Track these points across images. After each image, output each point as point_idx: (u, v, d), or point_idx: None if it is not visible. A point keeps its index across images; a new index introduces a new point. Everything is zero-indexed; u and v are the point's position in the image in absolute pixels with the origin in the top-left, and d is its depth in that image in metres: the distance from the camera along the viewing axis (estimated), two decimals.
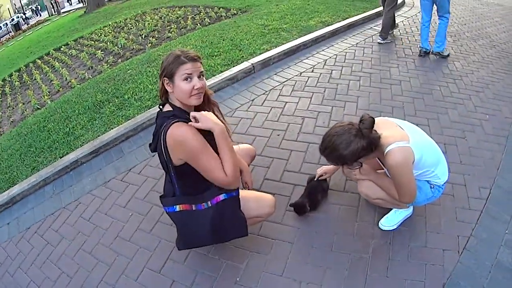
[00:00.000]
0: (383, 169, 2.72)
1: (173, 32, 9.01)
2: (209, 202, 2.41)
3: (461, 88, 5.07)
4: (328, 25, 7.49)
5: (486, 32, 7.47)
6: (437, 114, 4.43)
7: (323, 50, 6.53)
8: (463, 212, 3.10)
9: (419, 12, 8.75)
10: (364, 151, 2.30)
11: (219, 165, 2.22)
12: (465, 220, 3.02)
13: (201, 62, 2.27)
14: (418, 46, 6.33)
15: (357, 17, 8.07)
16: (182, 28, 9.44)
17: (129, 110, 5.28)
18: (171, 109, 2.30)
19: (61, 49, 11.61)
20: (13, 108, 7.77)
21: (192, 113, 2.24)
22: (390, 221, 3.00)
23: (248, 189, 2.92)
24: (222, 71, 5.78)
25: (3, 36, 40.04)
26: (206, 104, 2.46)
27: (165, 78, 2.23)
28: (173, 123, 2.18)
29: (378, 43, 6.75)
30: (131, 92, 5.79)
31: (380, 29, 6.92)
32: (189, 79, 2.19)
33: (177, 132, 2.15)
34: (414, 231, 2.95)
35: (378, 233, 2.96)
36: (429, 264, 2.70)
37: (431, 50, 6.17)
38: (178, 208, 2.44)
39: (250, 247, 2.98)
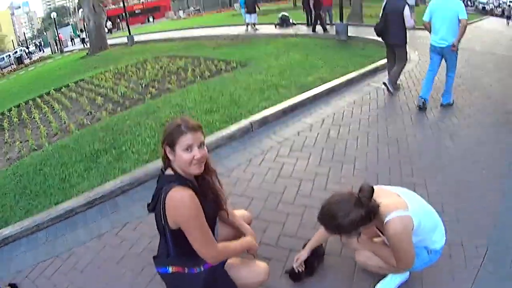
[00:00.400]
0: (380, 236, 2.69)
1: (173, 84, 9.15)
2: (202, 267, 2.38)
3: (457, 144, 5.07)
4: (326, 82, 7.63)
5: (481, 83, 7.59)
6: (434, 174, 4.40)
7: (321, 108, 6.60)
8: (460, 272, 3.03)
9: (415, 67, 9.00)
10: (363, 221, 2.27)
11: (206, 239, 2.25)
12: (462, 279, 2.96)
13: (202, 132, 2.29)
14: (416, 99, 6.47)
15: (355, 73, 8.25)
16: (182, 80, 9.61)
17: (126, 162, 5.26)
18: (173, 173, 2.31)
19: (62, 90, 11.80)
20: (10, 145, 7.78)
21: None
22: (386, 286, 2.94)
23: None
24: (220, 128, 5.81)
25: (5, 68, 40.90)
26: (206, 171, 2.46)
27: (166, 146, 2.25)
28: (174, 186, 2.19)
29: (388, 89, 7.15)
30: (129, 144, 5.80)
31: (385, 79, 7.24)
32: (189, 149, 2.20)
33: (176, 195, 2.16)
34: None
35: None
36: None
37: (440, 103, 6.39)
38: (170, 269, 2.43)
39: None
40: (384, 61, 8.76)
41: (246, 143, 5.57)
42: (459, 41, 5.92)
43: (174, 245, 2.34)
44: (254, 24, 19.86)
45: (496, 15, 26.97)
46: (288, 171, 4.72)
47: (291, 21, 19.68)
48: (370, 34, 15.12)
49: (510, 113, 5.97)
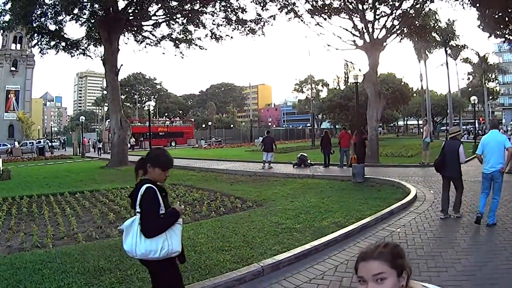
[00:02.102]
0: None
1: (187, 216, 9.11)
2: None
3: None
4: (342, 227, 7.58)
5: None
6: None
7: (334, 255, 6.44)
8: None
9: (430, 207, 9.34)
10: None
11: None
12: None
13: None
14: (477, 212, 7.78)
15: (370, 218, 8.25)
16: (196, 212, 9.63)
17: (131, 286, 5.11)
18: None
19: (76, 195, 11.94)
20: (14, 233, 7.72)
21: None
22: None
23: None
24: (230, 269, 5.67)
25: (25, 153, 42.85)
26: None
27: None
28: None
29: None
30: (135, 270, 5.60)
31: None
32: None
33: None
34: None
35: None
36: None
37: (487, 223, 7.64)
38: None
39: None
40: (398, 204, 9.48)
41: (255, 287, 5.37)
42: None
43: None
44: (270, 163, 20.49)
45: None
46: None
47: (308, 161, 20.25)
48: (386, 174, 15.49)
49: None
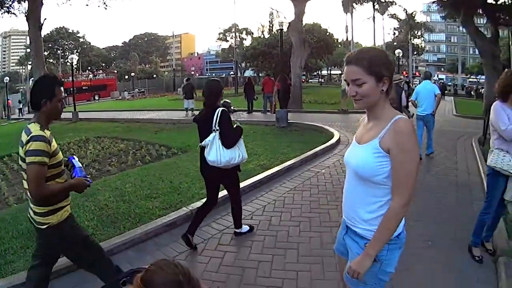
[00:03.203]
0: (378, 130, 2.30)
1: (113, 166, 9.03)
2: None
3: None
4: (267, 169, 7.80)
5: None
6: None
7: (262, 196, 6.68)
8: None
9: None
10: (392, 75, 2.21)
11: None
12: None
13: None
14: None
15: (295, 159, 8.55)
16: (122, 162, 9.49)
17: None
18: None
19: (4, 159, 11.32)
20: None
21: None
22: None
23: None
24: (160, 215, 5.71)
25: None
26: None
27: None
28: None
29: None
30: None
31: None
32: None
33: None
34: None
35: None
36: None
37: (425, 153, 9.43)
38: None
39: None
40: (322, 146, 9.93)
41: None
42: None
43: None
44: (192, 110, 20.44)
45: None
46: (230, 259, 4.66)
47: (232, 107, 20.22)
48: (309, 120, 15.95)
49: None
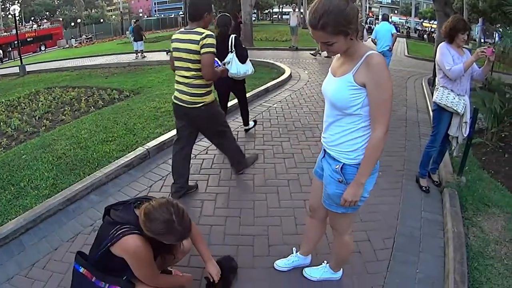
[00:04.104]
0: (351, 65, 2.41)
1: (67, 115, 9.09)
2: (107, 285, 2.62)
3: None
4: None
5: None
6: None
7: None
8: (372, 264, 3.53)
9: (305, 85, 10.19)
10: (354, 26, 2.19)
11: (152, 275, 2.65)
12: (376, 271, 3.45)
13: None
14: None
15: (248, 95, 8.61)
16: (76, 110, 9.56)
17: (26, 199, 4.99)
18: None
19: None
20: None
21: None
22: (314, 273, 3.32)
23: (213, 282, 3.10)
24: (117, 157, 5.92)
25: None
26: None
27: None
28: (129, 234, 2.46)
29: None
30: (27, 180, 5.51)
31: None
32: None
33: (133, 244, 2.45)
34: None
35: None
36: None
37: None
38: (82, 270, 2.67)
39: None
40: (273, 82, 10.25)
41: (144, 170, 5.70)
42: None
43: (101, 258, 2.57)
44: (142, 52, 20.32)
45: None
46: (189, 194, 4.96)
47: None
48: (261, 56, 16.15)
49: None
